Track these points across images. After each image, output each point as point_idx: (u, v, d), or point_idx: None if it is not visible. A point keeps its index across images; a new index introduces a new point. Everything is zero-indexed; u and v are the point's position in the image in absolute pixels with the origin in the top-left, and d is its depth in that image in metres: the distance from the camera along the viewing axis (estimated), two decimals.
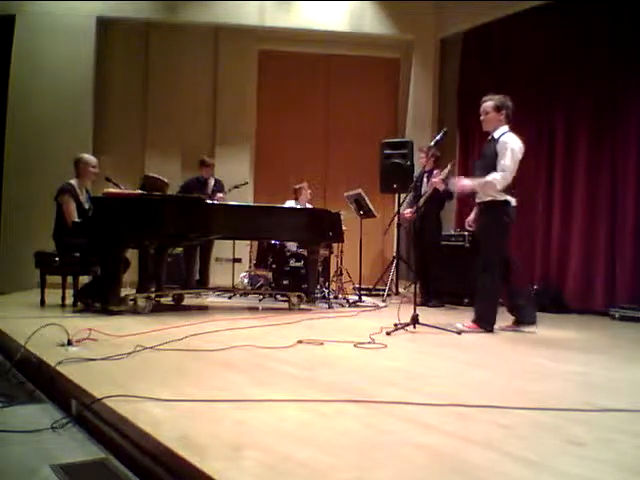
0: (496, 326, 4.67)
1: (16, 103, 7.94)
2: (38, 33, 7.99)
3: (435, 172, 6.52)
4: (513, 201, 4.60)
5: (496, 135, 4.65)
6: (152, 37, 8.62)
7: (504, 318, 4.83)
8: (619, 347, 4.50)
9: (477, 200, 4.75)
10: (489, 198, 4.58)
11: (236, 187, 7.04)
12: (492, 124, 4.69)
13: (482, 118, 4.76)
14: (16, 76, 7.95)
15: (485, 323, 4.59)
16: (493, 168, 4.53)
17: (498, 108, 4.66)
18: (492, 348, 4.04)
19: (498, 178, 4.48)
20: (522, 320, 4.78)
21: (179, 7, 8.36)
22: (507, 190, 4.56)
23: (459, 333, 4.45)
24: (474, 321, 4.63)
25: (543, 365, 3.44)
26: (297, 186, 7.51)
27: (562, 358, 3.69)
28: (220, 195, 6.90)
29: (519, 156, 4.58)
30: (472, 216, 4.96)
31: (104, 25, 8.34)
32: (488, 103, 4.71)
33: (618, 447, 1.92)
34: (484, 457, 1.76)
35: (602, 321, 6.07)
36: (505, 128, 4.66)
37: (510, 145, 4.52)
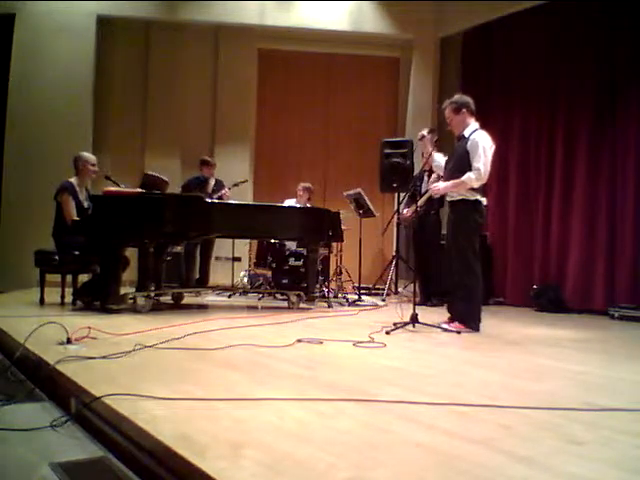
0: (440, 320, 4.69)
1: (16, 102, 7.93)
2: (38, 32, 7.99)
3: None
4: (484, 200, 4.63)
5: (466, 133, 4.65)
6: (152, 36, 8.63)
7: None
8: (618, 347, 4.50)
9: (448, 199, 4.75)
10: (460, 197, 4.59)
11: (235, 185, 7.05)
12: (460, 126, 4.72)
13: (449, 125, 4.82)
14: (16, 75, 7.95)
15: (472, 322, 4.58)
16: (464, 165, 4.54)
17: (457, 110, 4.69)
18: (491, 347, 4.03)
19: (473, 178, 4.49)
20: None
21: (179, 6, 8.35)
22: (479, 189, 4.58)
23: (458, 332, 4.46)
24: (460, 321, 4.60)
25: (543, 364, 3.44)
26: (307, 185, 7.50)
27: (561, 357, 3.69)
28: (225, 192, 6.90)
29: (491, 154, 4.62)
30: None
31: (104, 24, 8.34)
32: (447, 110, 4.77)
33: (617, 446, 1.92)
34: (484, 456, 1.76)
35: (601, 321, 6.08)
36: (474, 125, 4.68)
37: (481, 144, 4.53)
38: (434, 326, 4.58)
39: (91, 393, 2.28)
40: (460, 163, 4.58)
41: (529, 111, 7.54)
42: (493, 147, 4.65)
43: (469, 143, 4.56)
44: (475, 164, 4.49)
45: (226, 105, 8.75)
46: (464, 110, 4.67)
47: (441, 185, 4.71)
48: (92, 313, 4.88)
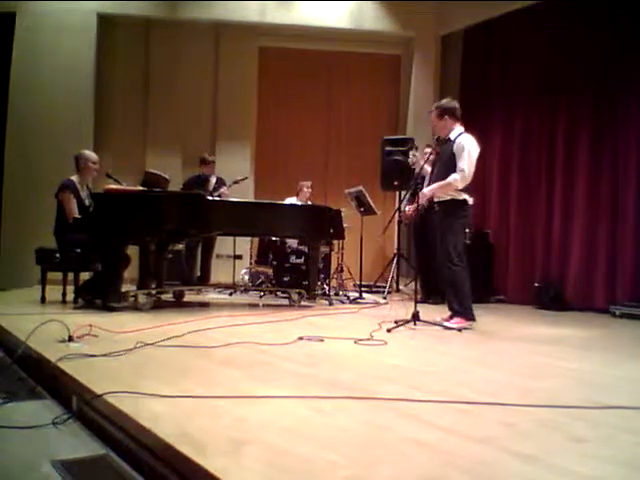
0: (439, 319, 4.73)
1: (17, 101, 7.92)
2: (39, 30, 7.97)
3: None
4: (470, 200, 4.75)
5: (452, 136, 4.78)
6: (153, 34, 8.61)
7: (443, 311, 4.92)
8: (620, 344, 4.50)
9: (436, 199, 4.83)
10: (448, 197, 4.71)
11: (236, 182, 7.03)
12: (444, 130, 4.84)
13: (433, 129, 4.99)
14: (17, 74, 7.94)
15: (468, 313, 4.67)
16: (450, 167, 4.65)
17: (441, 115, 4.82)
18: (493, 345, 4.04)
19: (458, 179, 4.62)
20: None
21: (180, 4, 8.33)
22: (465, 189, 4.69)
23: (460, 330, 4.46)
24: (459, 316, 4.66)
25: (544, 362, 3.44)
26: (307, 183, 7.51)
27: (563, 355, 3.69)
28: (223, 190, 6.90)
29: (475, 156, 4.73)
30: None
31: (105, 22, 8.32)
32: (432, 114, 4.89)
33: (620, 444, 1.92)
34: (485, 454, 1.76)
35: (603, 319, 6.07)
36: (459, 129, 4.81)
37: (467, 147, 4.65)
38: (435, 324, 4.59)
39: (92, 391, 2.28)
40: (447, 165, 4.70)
41: (530, 108, 7.52)
42: (478, 150, 4.77)
43: (455, 146, 4.69)
44: (460, 165, 4.61)
45: (227, 103, 8.74)
46: (446, 117, 4.79)
47: (427, 190, 4.80)
48: (93, 311, 4.88)
